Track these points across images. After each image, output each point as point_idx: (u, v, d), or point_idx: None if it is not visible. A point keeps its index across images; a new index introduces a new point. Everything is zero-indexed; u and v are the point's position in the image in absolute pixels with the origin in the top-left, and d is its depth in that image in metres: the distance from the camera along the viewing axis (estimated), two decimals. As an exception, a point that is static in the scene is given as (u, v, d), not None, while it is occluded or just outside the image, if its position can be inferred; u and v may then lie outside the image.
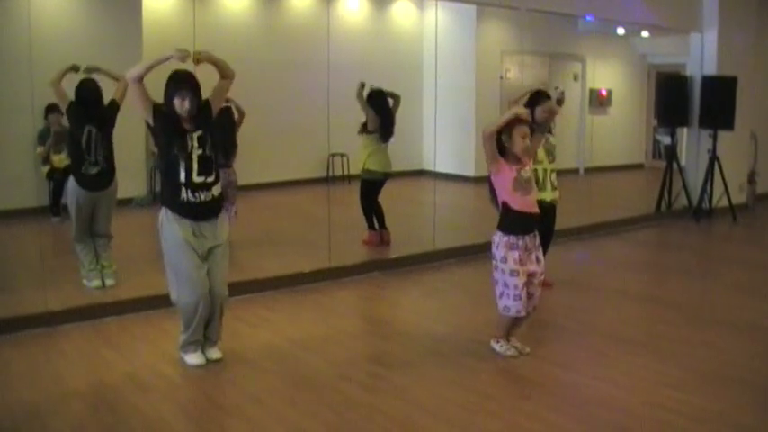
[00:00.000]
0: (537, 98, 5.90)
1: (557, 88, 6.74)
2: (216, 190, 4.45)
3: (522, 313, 4.57)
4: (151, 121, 4.37)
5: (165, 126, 4.35)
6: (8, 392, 4.16)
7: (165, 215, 4.41)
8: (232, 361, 4.62)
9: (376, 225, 7.57)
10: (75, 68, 5.88)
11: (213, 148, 4.43)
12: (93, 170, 5.80)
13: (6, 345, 4.88)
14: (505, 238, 4.53)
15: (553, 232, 6.30)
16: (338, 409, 3.96)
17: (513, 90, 11.74)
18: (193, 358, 4.54)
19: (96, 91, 5.84)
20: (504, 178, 4.51)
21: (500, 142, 4.52)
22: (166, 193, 4.43)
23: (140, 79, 4.33)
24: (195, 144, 4.35)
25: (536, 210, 4.63)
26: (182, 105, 4.32)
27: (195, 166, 4.33)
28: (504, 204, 4.54)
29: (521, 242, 4.53)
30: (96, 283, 5.92)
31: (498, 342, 4.71)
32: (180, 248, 4.36)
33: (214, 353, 4.62)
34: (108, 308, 5.47)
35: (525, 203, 4.53)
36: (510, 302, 4.54)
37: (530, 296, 4.61)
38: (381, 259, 7.08)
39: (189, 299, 4.41)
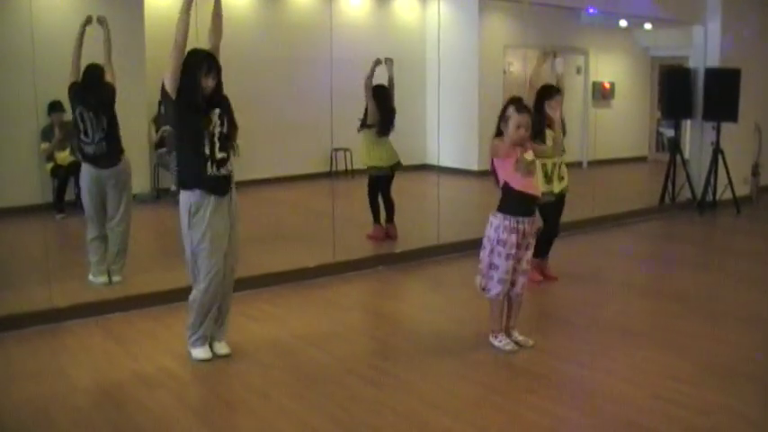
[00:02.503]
0: (546, 92, 5.95)
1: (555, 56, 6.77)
2: (231, 165, 4.49)
3: (501, 297, 4.61)
4: (174, 95, 4.32)
5: (189, 102, 4.33)
6: (14, 388, 4.17)
7: (190, 198, 4.37)
8: (237, 356, 4.63)
9: (382, 220, 7.57)
10: (88, 21, 5.82)
11: (230, 125, 4.45)
12: (91, 149, 5.76)
13: (12, 341, 4.89)
14: (506, 222, 4.54)
15: (558, 226, 6.32)
16: (344, 403, 3.96)
17: (517, 85, 11.78)
18: (201, 353, 4.54)
19: (99, 77, 5.80)
20: (506, 158, 4.53)
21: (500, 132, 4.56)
22: (190, 172, 4.40)
23: (185, 42, 4.35)
24: (217, 121, 4.38)
25: (537, 192, 4.71)
26: (207, 82, 4.33)
27: (217, 142, 4.37)
28: (506, 185, 4.56)
29: (521, 226, 4.56)
30: (103, 279, 5.92)
31: (497, 337, 4.71)
32: (210, 237, 4.37)
33: (222, 348, 4.63)
34: (113, 304, 5.48)
35: (526, 184, 4.55)
36: (493, 284, 4.58)
37: (513, 284, 4.65)
38: (385, 254, 7.08)
39: (214, 289, 4.43)
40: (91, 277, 5.95)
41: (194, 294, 4.50)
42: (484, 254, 4.65)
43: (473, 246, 7.34)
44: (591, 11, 10.74)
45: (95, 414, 3.87)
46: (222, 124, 4.41)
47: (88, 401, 4.01)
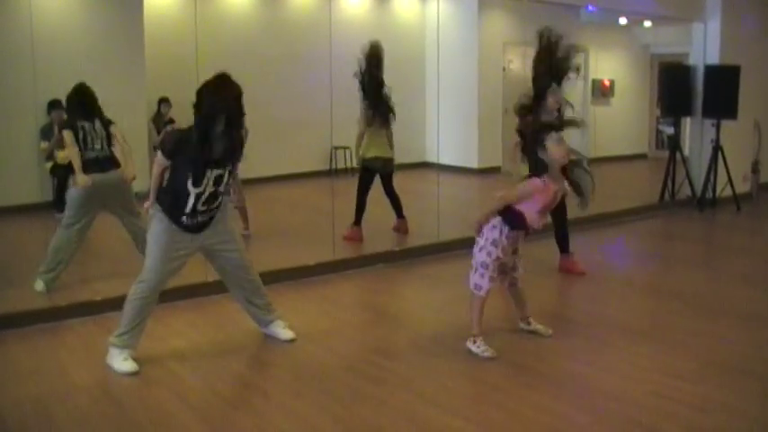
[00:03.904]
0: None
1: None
2: (216, 203, 4.41)
3: (488, 293, 4.58)
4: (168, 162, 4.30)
5: (186, 159, 4.21)
6: (14, 386, 4.17)
7: (159, 214, 4.34)
8: (237, 354, 4.63)
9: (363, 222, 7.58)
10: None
11: (227, 185, 4.39)
12: (93, 154, 5.82)
13: (12, 339, 4.89)
14: (506, 230, 4.52)
15: (565, 221, 6.42)
16: (344, 401, 3.96)
17: (516, 81, 11.77)
18: (126, 365, 4.33)
19: (92, 95, 5.90)
20: (537, 201, 4.46)
21: (536, 158, 4.47)
22: (167, 205, 4.33)
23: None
24: (211, 182, 4.28)
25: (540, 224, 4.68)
26: (216, 145, 4.18)
27: (204, 198, 4.29)
28: (520, 214, 4.48)
29: (513, 234, 4.57)
30: (40, 285, 5.71)
31: (475, 342, 4.59)
32: (162, 242, 4.34)
33: (286, 333, 4.81)
34: (113, 302, 5.45)
35: (535, 221, 4.53)
36: (484, 282, 4.54)
37: (505, 276, 4.72)
38: (386, 251, 7.08)
39: (147, 283, 4.35)
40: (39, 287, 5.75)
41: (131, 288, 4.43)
42: (477, 251, 4.61)
43: (473, 243, 7.37)
44: (590, 8, 10.72)
45: (95, 411, 3.87)
46: (217, 185, 4.30)
47: (88, 399, 4.01)
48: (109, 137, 5.92)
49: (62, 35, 5.76)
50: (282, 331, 4.85)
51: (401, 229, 7.72)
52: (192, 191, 4.24)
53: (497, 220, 4.54)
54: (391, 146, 7.59)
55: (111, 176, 5.89)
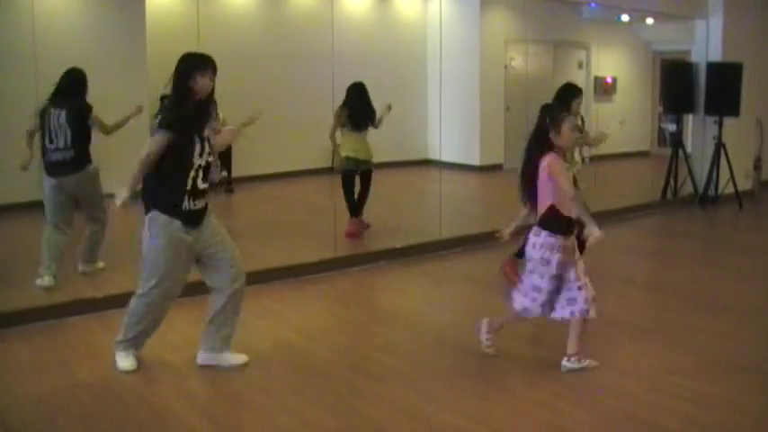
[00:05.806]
0: (573, 91, 5.91)
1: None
2: (207, 196, 4.27)
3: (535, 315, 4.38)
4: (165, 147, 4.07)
5: (182, 132, 4.05)
6: (16, 384, 4.18)
7: (155, 218, 4.12)
8: (239, 351, 4.63)
9: (361, 211, 7.54)
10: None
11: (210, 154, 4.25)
12: (54, 157, 5.68)
13: (14, 337, 4.90)
14: (552, 239, 4.18)
15: None
16: (345, 397, 3.97)
17: (518, 78, 11.77)
18: (126, 362, 4.30)
19: (78, 82, 5.73)
20: (563, 178, 4.14)
21: (548, 139, 4.16)
22: (164, 200, 4.12)
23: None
24: (208, 149, 4.17)
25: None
26: (206, 85, 4.11)
27: (201, 173, 4.15)
28: (553, 208, 4.17)
29: (566, 243, 4.23)
30: (47, 280, 5.66)
31: (570, 360, 4.28)
32: (167, 247, 4.15)
33: (237, 358, 4.41)
34: (114, 300, 5.46)
35: (571, 207, 4.19)
36: (530, 305, 4.32)
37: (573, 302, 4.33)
38: (387, 249, 7.07)
39: (157, 290, 4.20)
40: (38, 281, 5.69)
41: (132, 300, 4.30)
42: (526, 277, 4.31)
43: (475, 241, 7.40)
44: (593, 5, 10.72)
45: (97, 409, 3.88)
46: (205, 153, 4.14)
47: (90, 396, 4.02)
48: (74, 131, 5.64)
49: (64, 34, 5.77)
50: (234, 356, 4.43)
51: (357, 229, 7.44)
52: (197, 162, 4.09)
53: (540, 239, 4.20)
54: (366, 148, 7.51)
55: (71, 180, 5.71)
